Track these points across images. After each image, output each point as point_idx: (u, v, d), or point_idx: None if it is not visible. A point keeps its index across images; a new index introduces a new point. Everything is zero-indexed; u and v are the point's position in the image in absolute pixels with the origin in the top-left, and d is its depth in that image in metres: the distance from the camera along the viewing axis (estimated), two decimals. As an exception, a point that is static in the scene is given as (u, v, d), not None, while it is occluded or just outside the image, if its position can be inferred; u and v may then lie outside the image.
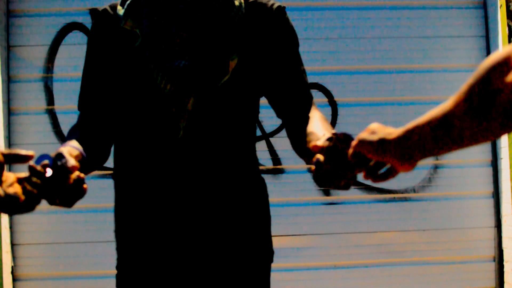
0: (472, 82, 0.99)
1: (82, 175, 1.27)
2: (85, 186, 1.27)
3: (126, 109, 1.66)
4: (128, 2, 1.65)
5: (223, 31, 1.61)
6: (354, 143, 1.23)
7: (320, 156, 1.29)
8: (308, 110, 1.70)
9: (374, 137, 1.17)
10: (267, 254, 1.72)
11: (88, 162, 1.48)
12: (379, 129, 1.18)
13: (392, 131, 1.15)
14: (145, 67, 1.60)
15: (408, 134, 1.11)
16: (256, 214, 1.71)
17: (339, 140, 1.29)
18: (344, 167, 1.27)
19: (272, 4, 1.69)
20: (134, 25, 1.62)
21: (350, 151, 1.24)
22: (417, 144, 1.09)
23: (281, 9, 1.70)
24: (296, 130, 1.66)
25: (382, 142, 1.15)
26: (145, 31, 1.60)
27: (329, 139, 1.30)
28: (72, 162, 1.27)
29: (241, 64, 1.62)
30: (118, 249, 1.72)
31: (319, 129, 1.56)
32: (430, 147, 1.08)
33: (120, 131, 1.69)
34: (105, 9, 1.67)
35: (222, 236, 1.65)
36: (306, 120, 1.65)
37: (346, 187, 1.30)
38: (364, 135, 1.20)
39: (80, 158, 1.43)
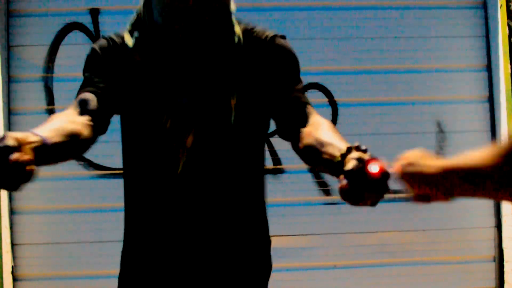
0: (510, 148, 1.01)
1: (25, 157, 1.21)
2: (28, 168, 1.21)
3: (133, 140, 1.70)
4: (135, 35, 1.67)
5: (224, 68, 1.63)
6: (395, 172, 1.24)
7: (344, 181, 1.28)
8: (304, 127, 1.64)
9: (414, 170, 1.20)
10: (266, 269, 1.76)
11: (53, 150, 1.42)
12: (416, 160, 1.21)
13: (430, 164, 1.18)
14: (149, 101, 1.64)
15: (447, 175, 1.14)
16: (256, 243, 1.74)
17: (362, 162, 1.28)
18: (368, 186, 1.26)
19: (266, 36, 1.69)
20: (141, 59, 1.65)
21: (393, 179, 1.25)
22: (454, 185, 1.13)
23: (273, 38, 1.69)
24: (305, 148, 1.59)
25: (422, 176, 1.19)
26: (150, 67, 1.63)
27: (353, 160, 1.30)
28: (11, 143, 1.21)
29: (241, 101, 1.64)
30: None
31: (335, 141, 1.48)
32: (466, 190, 1.12)
33: (130, 155, 1.73)
34: (111, 38, 1.69)
35: (221, 264, 1.69)
36: (310, 137, 1.58)
37: (373, 205, 1.29)
38: (402, 165, 1.22)
39: (39, 144, 1.35)
